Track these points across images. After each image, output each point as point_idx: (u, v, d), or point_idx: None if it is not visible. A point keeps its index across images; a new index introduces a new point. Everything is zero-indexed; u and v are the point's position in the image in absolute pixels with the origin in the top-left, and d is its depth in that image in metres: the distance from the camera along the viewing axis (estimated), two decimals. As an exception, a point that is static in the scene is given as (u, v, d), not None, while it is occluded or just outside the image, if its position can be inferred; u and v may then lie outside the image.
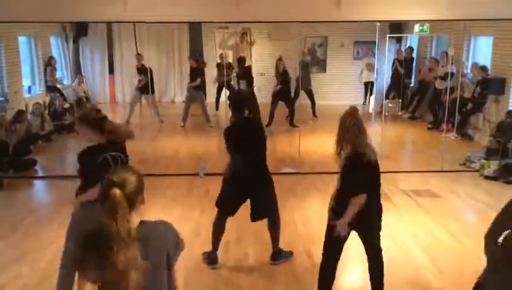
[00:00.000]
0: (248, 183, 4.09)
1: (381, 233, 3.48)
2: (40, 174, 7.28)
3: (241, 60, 9.49)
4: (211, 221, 4.42)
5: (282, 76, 9.15)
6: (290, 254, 4.44)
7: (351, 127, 3.30)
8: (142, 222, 1.91)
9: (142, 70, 9.27)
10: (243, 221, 4.78)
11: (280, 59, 9.34)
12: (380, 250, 3.53)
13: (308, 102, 9.89)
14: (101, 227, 1.77)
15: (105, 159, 3.15)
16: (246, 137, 4.08)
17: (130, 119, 9.36)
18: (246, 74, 9.31)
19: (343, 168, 3.38)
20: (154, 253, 1.89)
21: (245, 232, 4.82)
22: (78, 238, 1.93)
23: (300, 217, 5.35)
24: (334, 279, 3.53)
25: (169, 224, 2.04)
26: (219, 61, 10.19)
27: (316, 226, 5.11)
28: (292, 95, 9.42)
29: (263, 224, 4.75)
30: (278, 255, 4.36)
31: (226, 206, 4.22)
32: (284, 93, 9.16)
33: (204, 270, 4.24)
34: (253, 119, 4.26)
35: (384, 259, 3.69)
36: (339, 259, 3.48)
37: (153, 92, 9.17)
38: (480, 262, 3.99)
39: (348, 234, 3.37)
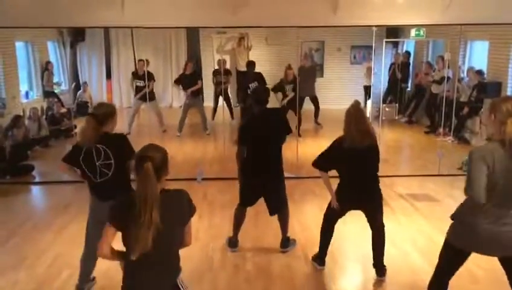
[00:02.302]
0: (265, 178, 4.33)
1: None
2: (38, 179, 7.26)
3: (251, 65, 9.37)
4: (209, 226, 4.43)
5: (292, 84, 9.08)
6: (294, 241, 4.73)
7: (347, 117, 3.85)
8: (163, 190, 2.36)
9: (148, 76, 9.19)
10: (242, 226, 4.78)
11: (290, 67, 9.25)
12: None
13: (311, 108, 9.84)
14: (136, 192, 2.27)
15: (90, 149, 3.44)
16: (263, 133, 4.26)
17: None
18: (257, 78, 9.07)
19: None
20: (173, 214, 2.37)
21: (243, 237, 4.81)
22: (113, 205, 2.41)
23: (298, 222, 5.35)
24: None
25: (184, 193, 2.47)
26: (217, 67, 10.09)
27: (314, 231, 5.11)
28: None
29: (261, 229, 4.76)
30: (287, 242, 4.65)
31: (245, 198, 4.49)
32: (294, 102, 9.11)
33: (203, 274, 4.23)
34: (275, 110, 4.47)
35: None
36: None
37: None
38: (477, 266, 4.02)
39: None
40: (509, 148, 2.70)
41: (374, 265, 4.11)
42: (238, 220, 4.59)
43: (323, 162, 4.01)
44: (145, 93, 8.82)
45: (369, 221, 4.05)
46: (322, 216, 4.23)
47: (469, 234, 2.92)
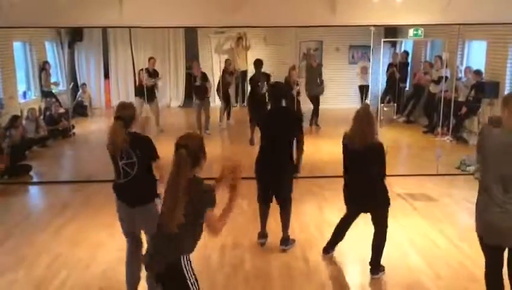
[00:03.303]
0: (274, 170, 4.44)
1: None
2: (35, 179, 7.24)
3: (258, 63, 9.21)
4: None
5: (296, 85, 9.06)
6: (294, 241, 4.76)
7: (355, 119, 3.92)
8: (193, 179, 2.53)
9: (154, 74, 9.18)
10: (240, 226, 4.78)
11: (294, 68, 9.20)
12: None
13: (310, 108, 9.83)
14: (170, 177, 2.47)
15: None
16: (277, 126, 4.38)
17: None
18: (265, 78, 8.95)
19: None
20: (196, 203, 2.52)
21: (242, 237, 4.81)
22: None
23: (297, 222, 5.34)
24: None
25: (208, 188, 2.59)
26: (226, 67, 9.82)
27: (312, 230, 5.12)
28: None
29: (258, 229, 4.76)
30: (288, 240, 4.66)
31: (260, 197, 4.62)
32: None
33: (202, 274, 4.22)
34: (291, 109, 4.57)
35: (381, 262, 3.69)
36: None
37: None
38: (475, 265, 4.02)
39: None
40: None
41: (370, 263, 4.14)
42: (262, 215, 4.71)
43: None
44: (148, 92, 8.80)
45: (373, 222, 4.12)
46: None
47: None
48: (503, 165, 2.91)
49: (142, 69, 9.27)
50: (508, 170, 2.90)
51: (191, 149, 2.48)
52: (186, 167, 2.45)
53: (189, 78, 9.71)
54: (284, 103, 4.74)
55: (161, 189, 3.48)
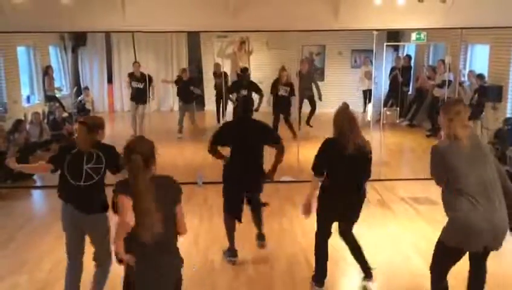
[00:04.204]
0: (246, 182, 4.37)
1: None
2: (38, 184, 7.26)
3: (244, 71, 9.34)
4: (209, 230, 4.41)
5: (287, 86, 9.09)
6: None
7: (338, 120, 3.87)
8: (153, 177, 2.57)
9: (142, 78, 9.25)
10: (242, 230, 4.77)
11: (284, 69, 9.24)
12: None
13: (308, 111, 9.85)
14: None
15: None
16: (243, 133, 4.31)
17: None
18: (249, 86, 9.07)
19: None
20: (164, 198, 2.55)
21: (243, 242, 4.80)
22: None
23: (300, 226, 5.33)
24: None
25: (171, 177, 2.69)
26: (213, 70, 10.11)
27: (314, 234, 5.10)
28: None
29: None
30: (263, 235, 4.75)
31: (231, 208, 4.45)
32: (286, 105, 9.09)
33: (203, 277, 4.22)
34: (258, 121, 4.52)
35: (384, 267, 3.68)
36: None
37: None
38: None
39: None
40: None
41: (363, 270, 4.05)
42: (229, 229, 4.51)
43: (319, 166, 3.83)
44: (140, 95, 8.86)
45: (343, 232, 3.98)
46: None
47: None
48: (479, 170, 3.00)
49: (129, 74, 9.41)
50: (486, 173, 2.99)
51: (144, 153, 2.52)
52: (142, 170, 2.50)
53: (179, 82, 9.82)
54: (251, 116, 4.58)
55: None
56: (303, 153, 7.37)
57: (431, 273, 3.37)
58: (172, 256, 2.65)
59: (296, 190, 6.41)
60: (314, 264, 4.02)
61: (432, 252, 3.38)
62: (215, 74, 10.01)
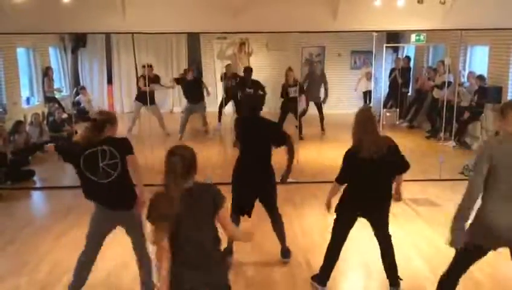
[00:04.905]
0: (255, 181, 4.27)
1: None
2: (38, 185, 7.26)
3: (248, 71, 9.32)
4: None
5: (295, 86, 9.10)
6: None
7: (357, 124, 3.70)
8: (195, 183, 2.57)
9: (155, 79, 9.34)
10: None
11: (290, 69, 9.22)
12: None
13: (315, 113, 9.85)
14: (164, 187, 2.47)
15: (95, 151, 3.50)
16: (252, 133, 4.25)
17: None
18: (254, 85, 9.01)
19: None
20: (201, 205, 2.55)
21: (243, 243, 4.80)
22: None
23: (300, 226, 5.34)
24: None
25: (210, 186, 2.64)
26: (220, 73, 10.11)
27: (315, 236, 5.11)
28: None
29: (262, 233, 4.75)
30: (288, 252, 4.54)
31: (239, 208, 4.34)
32: (295, 104, 9.10)
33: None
34: (265, 119, 4.48)
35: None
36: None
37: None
38: (479, 270, 4.00)
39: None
40: None
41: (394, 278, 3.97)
42: None
43: (344, 176, 3.84)
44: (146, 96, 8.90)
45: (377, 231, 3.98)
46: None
47: None
48: None
49: (141, 76, 9.40)
50: None
51: (185, 159, 2.51)
52: (180, 175, 2.48)
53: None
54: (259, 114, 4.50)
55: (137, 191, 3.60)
56: (303, 153, 7.38)
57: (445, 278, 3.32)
58: (209, 271, 2.61)
59: (296, 191, 6.42)
60: (322, 263, 4.00)
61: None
62: (225, 75, 9.96)
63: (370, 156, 3.60)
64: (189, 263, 2.53)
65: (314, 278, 4.07)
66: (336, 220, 3.93)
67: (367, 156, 3.60)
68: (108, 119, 3.60)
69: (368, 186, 3.72)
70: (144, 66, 9.37)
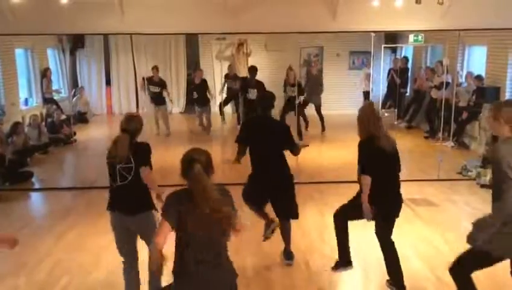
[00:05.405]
0: (266, 183, 4.23)
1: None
2: (37, 186, 7.25)
3: (252, 70, 9.35)
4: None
5: (294, 86, 9.12)
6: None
7: (365, 118, 3.73)
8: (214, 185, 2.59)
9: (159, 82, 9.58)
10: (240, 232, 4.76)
11: (291, 68, 9.25)
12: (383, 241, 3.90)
13: (314, 114, 9.87)
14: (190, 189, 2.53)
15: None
16: (265, 135, 4.20)
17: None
18: (258, 86, 9.03)
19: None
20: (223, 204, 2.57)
21: (243, 243, 4.80)
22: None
23: (298, 227, 5.32)
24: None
25: (223, 189, 2.68)
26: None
27: (313, 236, 5.11)
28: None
29: (261, 234, 4.75)
30: (292, 254, 4.50)
31: (248, 198, 4.31)
32: (294, 103, 9.12)
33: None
34: (276, 120, 4.46)
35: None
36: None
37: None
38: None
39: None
40: None
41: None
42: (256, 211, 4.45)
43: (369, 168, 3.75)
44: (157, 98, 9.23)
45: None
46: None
47: None
48: None
49: (143, 78, 9.45)
50: None
51: (203, 163, 2.55)
52: (205, 177, 2.54)
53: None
54: (271, 114, 4.50)
55: (153, 195, 3.59)
56: (302, 154, 7.35)
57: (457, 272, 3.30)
58: (221, 270, 2.67)
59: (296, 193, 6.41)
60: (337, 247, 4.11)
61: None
62: (227, 76, 10.04)
63: (385, 148, 3.66)
64: (200, 261, 2.56)
65: (339, 262, 4.14)
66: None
67: (384, 147, 3.66)
68: (139, 127, 3.60)
69: (387, 179, 3.77)
70: (153, 68, 9.66)
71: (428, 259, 4.56)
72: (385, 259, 3.92)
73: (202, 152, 2.62)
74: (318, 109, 9.80)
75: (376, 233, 3.94)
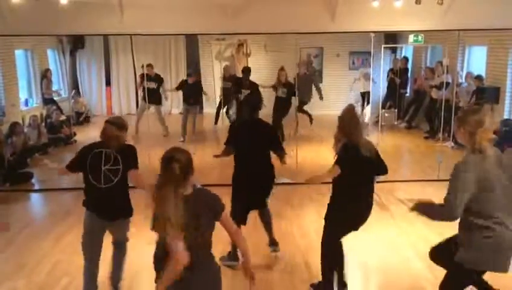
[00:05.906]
0: (256, 189, 4.27)
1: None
2: (37, 187, 7.25)
3: (246, 71, 9.32)
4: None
5: (286, 88, 9.12)
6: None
7: (346, 123, 3.66)
8: (194, 186, 2.58)
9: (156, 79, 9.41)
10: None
11: (282, 69, 9.25)
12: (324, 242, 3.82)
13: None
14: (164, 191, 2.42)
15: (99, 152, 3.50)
16: (252, 138, 4.21)
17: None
18: (251, 87, 9.02)
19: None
20: (201, 207, 2.56)
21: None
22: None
23: (298, 228, 5.33)
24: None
25: (208, 192, 2.68)
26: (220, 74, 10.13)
27: (313, 237, 5.10)
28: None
29: (261, 234, 4.74)
30: (276, 241, 4.56)
31: (237, 215, 4.24)
32: (286, 107, 9.09)
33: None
34: (264, 122, 4.47)
35: (383, 268, 3.67)
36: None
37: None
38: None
39: None
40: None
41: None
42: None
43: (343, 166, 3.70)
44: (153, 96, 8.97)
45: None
46: (321, 221, 4.13)
47: None
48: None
49: (140, 75, 9.41)
50: None
51: (182, 163, 2.48)
52: (180, 178, 2.48)
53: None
54: (258, 115, 4.50)
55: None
56: (301, 154, 7.38)
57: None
58: (204, 272, 2.61)
59: (294, 192, 6.42)
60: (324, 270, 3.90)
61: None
62: (224, 77, 9.97)
63: (363, 153, 3.59)
64: (192, 266, 2.52)
65: (324, 285, 3.93)
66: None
67: (363, 153, 3.58)
68: (126, 125, 3.59)
69: (362, 186, 3.69)
70: (142, 66, 9.37)
71: (427, 258, 4.54)
72: (331, 261, 3.86)
73: (183, 152, 2.56)
74: (301, 106, 9.75)
75: (326, 235, 3.87)
